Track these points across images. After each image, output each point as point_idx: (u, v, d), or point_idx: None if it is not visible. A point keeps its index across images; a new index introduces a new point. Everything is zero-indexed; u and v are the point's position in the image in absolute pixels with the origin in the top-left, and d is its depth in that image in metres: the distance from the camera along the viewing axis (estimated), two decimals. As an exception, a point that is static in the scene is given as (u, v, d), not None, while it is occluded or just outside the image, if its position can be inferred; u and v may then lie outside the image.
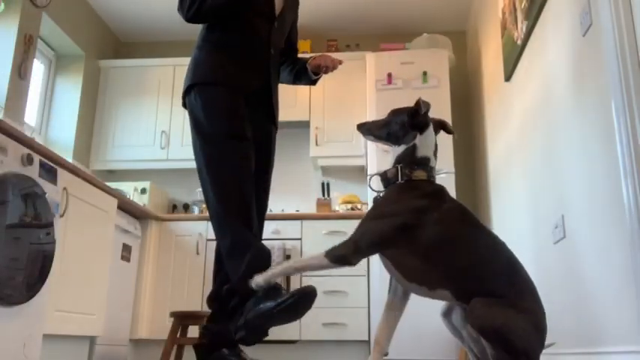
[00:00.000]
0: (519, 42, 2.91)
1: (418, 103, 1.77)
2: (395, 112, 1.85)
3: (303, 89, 4.55)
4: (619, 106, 1.73)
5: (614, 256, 1.81)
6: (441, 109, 3.95)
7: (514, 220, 3.21)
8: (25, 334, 2.39)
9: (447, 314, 1.74)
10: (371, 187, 1.87)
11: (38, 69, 4.29)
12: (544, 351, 1.56)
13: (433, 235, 1.60)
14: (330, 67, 2.33)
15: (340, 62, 2.36)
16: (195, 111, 2.13)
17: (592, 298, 2.02)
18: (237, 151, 2.06)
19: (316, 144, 4.39)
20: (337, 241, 1.67)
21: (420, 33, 4.55)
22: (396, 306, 1.74)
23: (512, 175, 3.25)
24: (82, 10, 4.51)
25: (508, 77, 3.22)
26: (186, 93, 2.18)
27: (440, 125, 1.89)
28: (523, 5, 2.83)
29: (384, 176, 1.78)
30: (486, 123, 4.01)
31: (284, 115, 4.49)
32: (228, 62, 2.15)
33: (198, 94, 2.12)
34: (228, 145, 2.05)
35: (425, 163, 1.74)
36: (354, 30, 4.94)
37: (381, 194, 1.76)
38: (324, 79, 4.60)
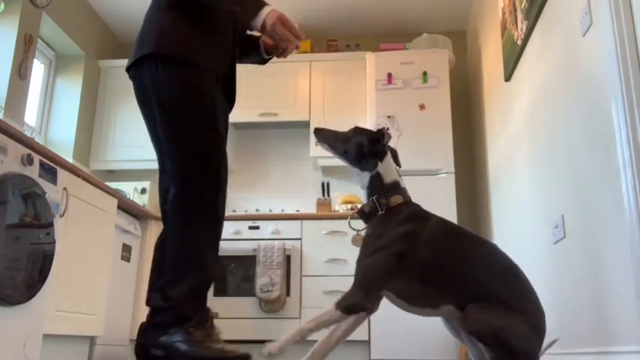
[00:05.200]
0: (519, 42, 2.91)
1: (381, 132, 1.77)
2: (356, 131, 1.83)
3: (303, 89, 4.55)
4: (619, 106, 1.73)
5: (614, 256, 1.81)
6: (441, 109, 3.96)
7: (514, 220, 3.21)
8: (25, 334, 2.39)
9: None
10: (351, 227, 1.87)
11: (38, 69, 4.29)
12: (548, 350, 1.57)
13: (426, 254, 1.60)
14: (290, 49, 2.05)
15: (298, 47, 2.06)
16: (163, 88, 1.88)
17: (592, 298, 2.01)
18: (221, 149, 1.94)
19: (316, 144, 4.38)
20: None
21: (420, 33, 4.55)
22: (339, 331, 1.64)
23: (512, 175, 3.25)
24: (82, 10, 4.51)
25: (508, 77, 3.22)
26: (145, 60, 1.91)
27: (392, 154, 1.83)
28: (523, 5, 2.83)
29: (361, 212, 1.75)
30: (486, 123, 4.01)
31: (284, 115, 4.57)
32: (200, 37, 1.94)
33: (171, 70, 1.88)
34: (213, 142, 1.92)
35: (397, 187, 1.74)
36: (354, 30, 4.94)
37: (363, 231, 1.73)
38: (325, 79, 4.63)
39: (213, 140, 1.92)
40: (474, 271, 1.58)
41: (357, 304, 1.58)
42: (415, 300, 1.62)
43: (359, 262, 1.66)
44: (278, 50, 2.06)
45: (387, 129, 1.80)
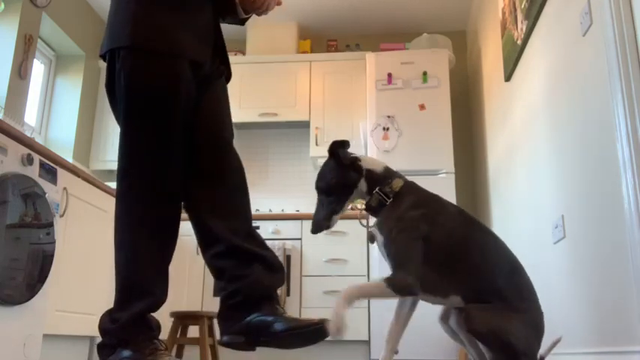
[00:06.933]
0: (519, 42, 2.91)
1: (332, 147, 1.73)
2: (321, 178, 1.76)
3: (303, 89, 4.55)
4: (619, 106, 1.73)
5: (614, 255, 1.81)
6: (441, 109, 3.96)
7: (514, 220, 3.21)
8: (25, 334, 2.39)
9: (444, 318, 1.74)
10: (362, 224, 1.82)
11: (38, 69, 4.29)
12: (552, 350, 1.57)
13: (443, 240, 1.59)
14: (271, 5, 1.86)
15: (279, 2, 1.88)
16: (122, 86, 1.75)
17: (592, 298, 2.02)
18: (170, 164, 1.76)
19: (316, 144, 4.39)
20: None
21: (420, 33, 4.55)
22: (406, 308, 1.72)
23: (512, 175, 3.25)
24: (82, 10, 4.51)
25: (508, 77, 3.22)
26: (111, 56, 1.74)
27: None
28: (523, 5, 2.83)
29: (369, 207, 1.71)
30: (486, 123, 4.01)
31: (284, 115, 4.58)
32: (170, 18, 1.71)
33: (129, 65, 1.70)
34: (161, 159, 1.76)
35: (390, 172, 1.73)
36: (354, 30, 4.94)
37: (376, 222, 1.70)
38: (325, 79, 4.63)
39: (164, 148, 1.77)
40: (486, 266, 1.58)
41: (411, 285, 1.54)
42: (427, 287, 1.59)
43: (390, 245, 1.61)
44: (255, 6, 1.86)
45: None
